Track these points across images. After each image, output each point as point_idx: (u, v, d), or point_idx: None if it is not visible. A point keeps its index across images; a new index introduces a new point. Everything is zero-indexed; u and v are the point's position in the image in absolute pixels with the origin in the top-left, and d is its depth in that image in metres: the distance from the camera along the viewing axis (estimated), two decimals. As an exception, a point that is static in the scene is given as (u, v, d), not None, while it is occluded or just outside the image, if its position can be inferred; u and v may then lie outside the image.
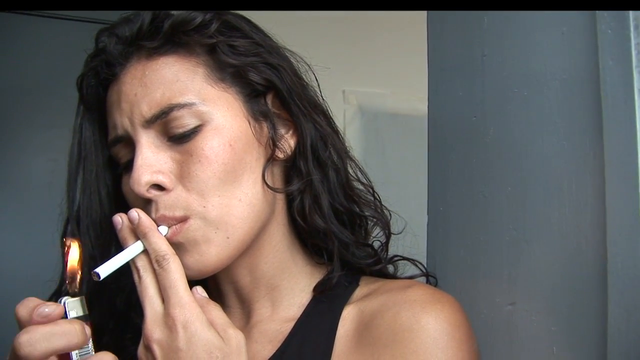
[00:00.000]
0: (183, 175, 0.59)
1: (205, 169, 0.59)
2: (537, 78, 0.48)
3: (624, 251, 0.39)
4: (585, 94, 0.43)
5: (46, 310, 0.48)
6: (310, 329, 0.63)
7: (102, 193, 0.64)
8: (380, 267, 0.67)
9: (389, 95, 2.61)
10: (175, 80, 0.61)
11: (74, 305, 0.49)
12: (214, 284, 0.66)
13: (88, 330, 0.49)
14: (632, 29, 0.39)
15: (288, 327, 0.64)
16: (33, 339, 0.47)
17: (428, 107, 0.63)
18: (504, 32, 0.53)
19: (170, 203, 0.58)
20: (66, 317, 0.49)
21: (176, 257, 0.54)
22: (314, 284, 0.65)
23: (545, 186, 0.47)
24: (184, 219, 0.57)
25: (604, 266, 0.40)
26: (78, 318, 0.49)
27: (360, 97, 2.55)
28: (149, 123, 0.58)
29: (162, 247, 0.55)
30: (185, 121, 0.59)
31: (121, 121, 0.59)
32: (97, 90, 0.63)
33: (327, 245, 0.65)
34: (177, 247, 0.57)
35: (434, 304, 0.58)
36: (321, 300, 0.64)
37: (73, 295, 0.50)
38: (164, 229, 0.56)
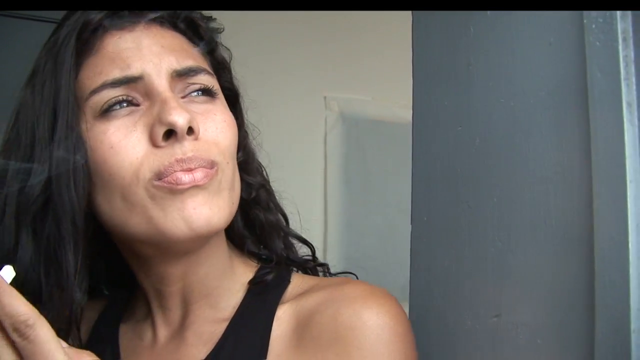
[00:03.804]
0: (206, 129, 0.59)
1: (227, 132, 0.60)
2: (524, 89, 0.48)
3: (612, 264, 0.39)
4: (573, 106, 0.43)
5: None
6: (244, 330, 0.62)
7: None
8: (315, 265, 0.71)
9: (370, 102, 2.61)
10: (193, 53, 0.63)
11: None
12: (151, 287, 0.65)
13: None
14: (620, 41, 0.39)
15: (221, 328, 0.63)
16: None
17: (412, 115, 0.62)
18: (490, 41, 0.53)
19: (200, 147, 0.57)
20: None
21: (44, 320, 0.44)
22: (244, 282, 0.65)
23: (532, 197, 0.47)
24: (213, 165, 0.57)
25: (591, 279, 0.40)
26: None
27: (342, 104, 2.55)
28: (178, 75, 0.59)
29: (22, 309, 0.43)
30: (211, 84, 0.62)
31: (140, 64, 0.58)
32: (92, 36, 0.60)
33: (266, 242, 0.69)
34: (199, 191, 0.56)
35: (374, 299, 0.59)
36: (254, 299, 0.64)
37: None
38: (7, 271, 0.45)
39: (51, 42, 0.60)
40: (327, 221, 2.47)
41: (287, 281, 0.65)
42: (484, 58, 0.53)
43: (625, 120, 0.38)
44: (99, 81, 0.57)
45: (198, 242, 0.58)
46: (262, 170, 0.75)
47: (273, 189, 0.82)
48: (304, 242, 0.74)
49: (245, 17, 2.48)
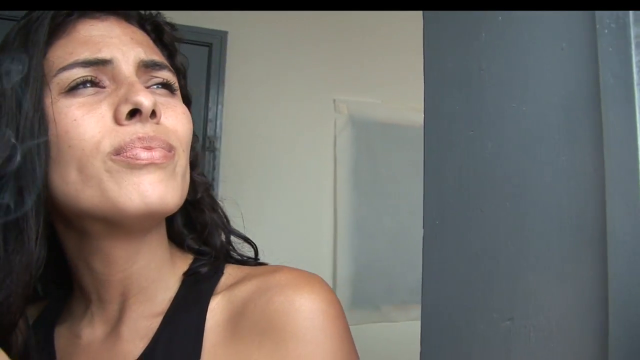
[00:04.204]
0: (167, 117, 0.62)
1: (185, 123, 0.64)
2: (536, 94, 0.48)
3: (625, 269, 0.39)
4: (586, 111, 0.43)
5: None
6: (178, 322, 0.63)
7: None
8: (256, 263, 0.73)
9: (379, 105, 2.62)
10: (158, 52, 0.67)
11: None
12: (92, 277, 0.66)
13: None
14: (633, 46, 0.39)
15: (156, 322, 0.64)
16: None
17: (424, 119, 0.62)
18: (502, 47, 0.53)
19: (161, 130, 0.60)
20: None
21: None
22: (180, 275, 0.67)
23: (545, 202, 0.47)
24: (171, 149, 0.60)
25: (604, 284, 0.40)
26: None
27: (351, 107, 2.56)
28: (145, 66, 0.62)
29: None
30: (172, 80, 0.66)
31: (110, 50, 0.62)
32: (65, 20, 0.63)
33: (207, 239, 0.71)
34: (156, 169, 0.58)
35: (305, 285, 0.62)
36: (188, 291, 0.65)
37: None
38: None
39: (21, 23, 0.62)
40: (337, 224, 2.48)
41: (220, 272, 0.67)
42: (496, 63, 0.54)
43: (638, 125, 0.38)
44: (69, 60, 0.60)
45: (148, 220, 0.61)
46: (205, 175, 0.77)
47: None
48: (247, 240, 0.76)
49: (255, 21, 2.49)
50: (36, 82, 0.57)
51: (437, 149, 0.61)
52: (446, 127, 0.60)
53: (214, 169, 2.33)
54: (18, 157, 0.56)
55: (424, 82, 0.66)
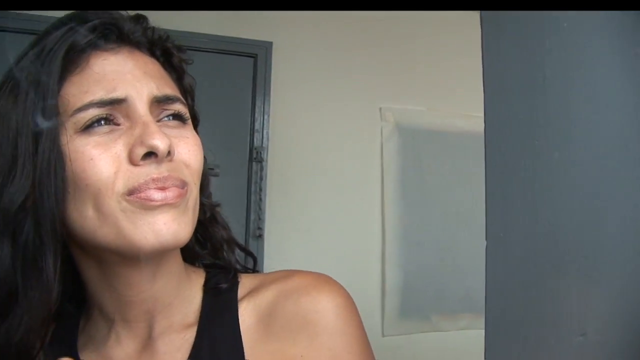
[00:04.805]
0: (179, 152, 0.64)
1: (197, 155, 0.66)
2: (607, 101, 0.47)
3: None
4: (664, 119, 0.41)
5: None
6: (214, 330, 0.68)
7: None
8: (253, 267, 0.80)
9: (425, 112, 2.60)
10: (169, 82, 0.69)
11: None
12: (115, 298, 0.68)
13: None
14: None
15: (191, 333, 0.68)
16: None
17: (485, 129, 0.61)
18: (567, 55, 0.52)
19: (174, 167, 0.62)
20: None
21: None
22: (199, 288, 0.72)
23: (618, 212, 0.46)
24: (184, 185, 0.62)
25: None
26: None
27: (397, 114, 2.54)
28: (157, 101, 0.64)
29: None
30: (184, 112, 0.67)
31: (124, 87, 0.63)
32: (78, 56, 0.64)
33: (217, 255, 0.77)
34: (170, 208, 0.60)
35: (324, 285, 0.70)
36: (213, 301, 0.70)
37: None
38: None
39: (31, 55, 0.63)
40: (385, 232, 2.46)
41: (236, 282, 0.73)
42: (561, 72, 0.52)
43: None
44: (85, 100, 0.61)
45: (162, 253, 0.64)
46: (211, 194, 0.80)
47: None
48: (249, 254, 0.83)
49: (299, 31, 2.50)
50: (51, 120, 0.59)
51: (499, 160, 0.60)
52: (509, 137, 0.59)
53: (261, 179, 2.34)
54: (36, 196, 0.57)
55: (484, 90, 0.65)
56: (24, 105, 0.59)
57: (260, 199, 2.32)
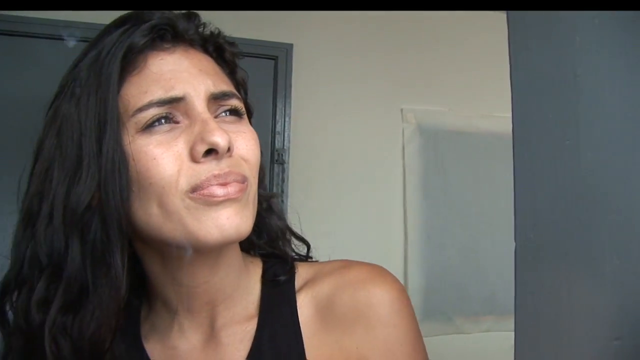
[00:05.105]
0: (238, 147, 0.65)
1: (255, 149, 0.68)
2: (641, 100, 0.46)
3: None
4: None
5: None
6: (274, 322, 0.70)
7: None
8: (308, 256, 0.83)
9: (447, 113, 2.58)
10: (224, 77, 0.70)
11: None
12: (177, 290, 0.70)
13: None
14: None
15: (252, 324, 0.70)
16: None
17: (513, 129, 0.60)
18: (599, 52, 0.50)
19: (234, 163, 0.63)
20: None
21: None
22: (257, 279, 0.74)
23: (654, 214, 0.45)
24: (244, 180, 0.64)
25: None
26: None
27: (419, 115, 2.53)
28: (214, 98, 0.65)
29: None
30: (240, 106, 0.69)
31: (182, 86, 0.65)
32: (136, 57, 0.66)
33: (275, 244, 0.78)
34: (232, 203, 0.62)
35: (379, 278, 0.72)
36: (272, 292, 0.72)
37: None
38: None
39: (89, 58, 0.64)
40: (407, 234, 2.45)
41: (293, 272, 0.74)
42: (593, 69, 0.51)
43: None
44: (145, 100, 0.63)
45: (225, 246, 0.66)
46: (266, 185, 0.82)
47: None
48: (303, 241, 0.85)
49: (320, 33, 2.49)
50: (113, 121, 0.60)
51: (528, 160, 0.59)
52: (538, 137, 0.58)
53: (282, 181, 2.34)
54: (102, 195, 0.59)
55: (511, 89, 0.64)
56: (86, 108, 0.61)
57: (282, 201, 2.32)
